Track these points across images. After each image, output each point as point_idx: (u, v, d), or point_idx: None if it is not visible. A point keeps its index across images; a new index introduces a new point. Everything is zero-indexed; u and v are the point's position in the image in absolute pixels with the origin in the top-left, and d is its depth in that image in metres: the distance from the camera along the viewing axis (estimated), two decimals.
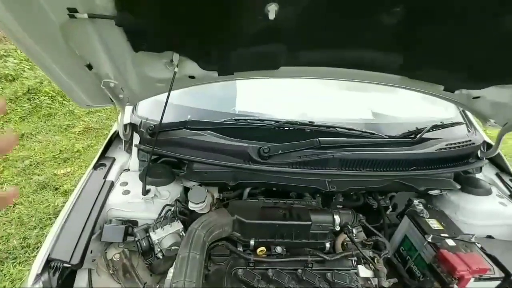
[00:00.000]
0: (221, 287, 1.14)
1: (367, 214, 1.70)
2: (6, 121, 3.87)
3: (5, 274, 2.21)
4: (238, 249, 1.30)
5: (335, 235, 1.46)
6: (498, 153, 1.79)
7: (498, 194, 1.67)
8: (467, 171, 1.74)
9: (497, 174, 1.81)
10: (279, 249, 1.29)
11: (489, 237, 1.57)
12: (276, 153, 1.38)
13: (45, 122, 4.09)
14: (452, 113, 1.96)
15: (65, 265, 1.06)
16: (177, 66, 1.12)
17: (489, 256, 1.31)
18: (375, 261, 1.28)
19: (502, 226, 1.56)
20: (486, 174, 1.82)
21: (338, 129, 1.53)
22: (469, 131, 1.88)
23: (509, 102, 1.37)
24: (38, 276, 1.01)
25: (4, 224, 2.59)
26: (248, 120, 1.51)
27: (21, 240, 2.49)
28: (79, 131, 4.03)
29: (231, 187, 1.40)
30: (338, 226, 1.35)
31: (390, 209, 1.73)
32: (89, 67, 1.06)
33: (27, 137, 3.74)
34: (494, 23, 0.93)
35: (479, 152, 1.79)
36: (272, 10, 0.86)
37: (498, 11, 0.89)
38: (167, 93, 1.29)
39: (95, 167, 1.45)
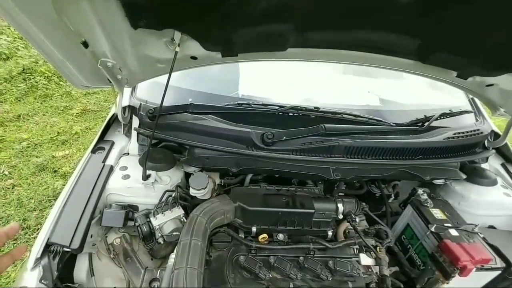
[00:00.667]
0: (222, 273, 1.13)
1: (369, 201, 1.69)
2: (1, 102, 3.78)
3: None
4: (240, 235, 1.29)
5: (337, 223, 1.45)
6: (505, 143, 1.76)
7: (502, 185, 1.65)
8: (473, 160, 1.71)
9: (502, 165, 1.79)
10: (281, 236, 1.28)
11: (491, 227, 1.56)
12: (280, 139, 1.34)
13: (41, 103, 4.01)
14: (461, 100, 1.90)
15: (65, 249, 1.05)
16: (179, 45, 1.06)
17: (491, 246, 1.30)
18: (377, 249, 1.28)
19: (505, 216, 1.55)
20: (492, 164, 1.80)
21: (344, 115, 1.48)
22: (477, 120, 1.84)
23: None
24: (38, 260, 0.99)
25: (3, 205, 2.58)
26: (252, 105, 1.46)
27: (21, 221, 2.49)
28: (77, 113, 3.96)
29: (233, 173, 1.37)
30: (341, 215, 1.34)
31: (393, 197, 1.71)
32: (85, 44, 0.99)
33: (24, 118, 3.67)
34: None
35: (486, 142, 1.76)
36: None
37: None
38: (167, 75, 1.23)
39: (93, 151, 1.41)
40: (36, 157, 3.15)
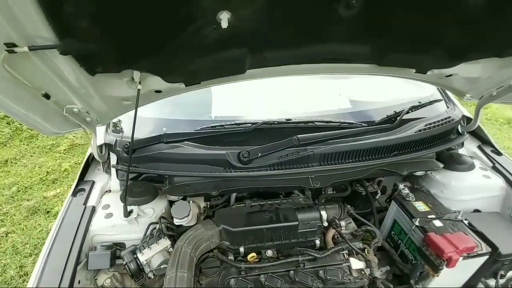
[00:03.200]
0: None
1: (357, 200, 1.71)
2: None
3: None
4: (229, 258, 1.29)
5: (325, 229, 1.47)
6: (478, 126, 1.80)
7: (481, 167, 1.68)
8: (449, 148, 1.75)
9: (479, 147, 1.83)
10: (269, 252, 1.29)
11: (477, 211, 1.59)
12: (256, 156, 1.36)
13: (27, 144, 3.99)
14: (430, 90, 1.95)
15: None
16: (140, 83, 1.09)
17: (476, 232, 1.33)
18: (365, 251, 1.29)
19: (488, 198, 1.59)
20: (468, 147, 1.83)
21: (316, 123, 1.51)
22: (448, 107, 1.88)
23: (481, 76, 1.37)
24: None
25: None
26: (225, 126, 1.48)
27: (18, 269, 2.46)
28: (64, 150, 3.95)
29: (214, 196, 1.38)
30: (326, 222, 1.35)
31: (379, 193, 1.74)
32: (47, 96, 1.01)
33: (11, 162, 3.65)
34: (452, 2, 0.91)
35: (459, 127, 1.80)
36: (224, 18, 0.82)
37: None
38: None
39: (74, 194, 1.42)
40: (27, 200, 3.13)
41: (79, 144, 4.11)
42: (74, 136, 4.27)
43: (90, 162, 1.59)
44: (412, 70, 1.35)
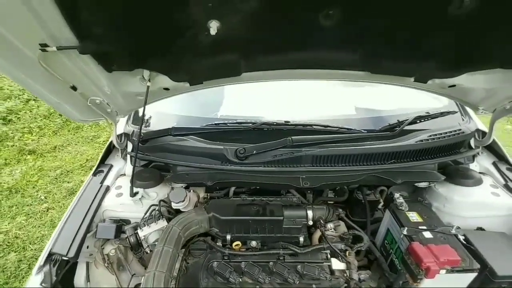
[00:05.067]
0: (197, 278, 1.26)
1: (357, 207, 1.72)
2: (42, 136, 4.36)
3: None
4: (218, 244, 1.41)
5: (315, 229, 1.51)
6: (494, 141, 1.71)
7: (492, 184, 1.60)
8: (457, 161, 1.68)
9: (494, 163, 1.72)
10: (254, 243, 1.38)
11: (480, 229, 1.51)
12: (251, 154, 1.46)
13: (74, 134, 4.53)
14: (444, 101, 1.89)
15: (63, 258, 1.24)
16: (149, 81, 1.26)
17: (468, 248, 1.28)
18: (347, 253, 1.32)
19: (494, 217, 1.50)
20: (482, 163, 1.74)
21: (314, 126, 1.57)
22: (463, 120, 1.81)
23: (487, 87, 1.33)
24: (41, 267, 1.20)
25: (39, 227, 2.95)
26: (228, 124, 1.61)
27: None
28: (103, 141, 4.41)
29: (216, 186, 1.50)
30: (311, 221, 1.40)
31: (382, 202, 1.73)
32: (74, 88, 1.22)
33: (59, 148, 4.18)
34: (441, 12, 0.91)
35: (472, 141, 1.72)
36: (213, 26, 0.95)
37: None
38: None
39: (94, 174, 1.64)
40: (68, 182, 3.56)
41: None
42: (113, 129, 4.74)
43: (111, 148, 1.82)
44: (410, 78, 1.35)
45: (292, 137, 1.47)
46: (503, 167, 1.67)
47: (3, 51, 0.93)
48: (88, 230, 1.35)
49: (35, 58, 0.99)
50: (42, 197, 3.29)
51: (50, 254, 1.24)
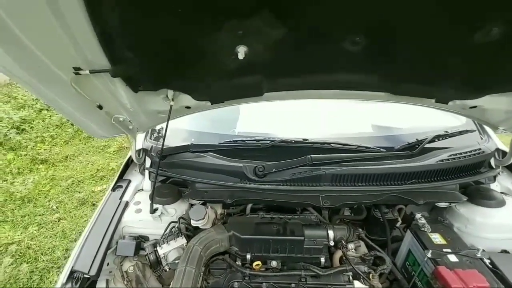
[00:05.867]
0: None
1: (376, 227, 1.69)
2: (54, 145, 4.42)
3: (50, 282, 2.53)
4: (237, 263, 1.39)
5: (335, 249, 1.49)
6: None
7: None
8: (478, 181, 1.66)
9: None
10: (274, 263, 1.36)
11: (504, 251, 1.47)
12: (270, 171, 1.46)
13: (85, 144, 4.59)
14: (462, 120, 1.88)
15: (85, 276, 1.24)
16: (172, 100, 1.28)
17: (496, 272, 1.25)
18: (370, 276, 1.29)
19: None
20: (503, 183, 1.71)
21: (332, 145, 1.57)
22: (481, 138, 1.79)
23: (510, 109, 1.32)
24: (63, 284, 1.20)
25: (50, 237, 2.96)
26: (246, 141, 1.62)
27: (64, 251, 2.83)
28: (114, 151, 4.45)
29: (233, 204, 1.50)
30: (332, 241, 1.39)
31: (400, 221, 1.70)
32: (100, 107, 1.25)
33: (70, 158, 4.23)
34: (464, 37, 0.93)
35: (492, 161, 1.70)
36: (241, 51, 0.96)
37: (463, 27, 0.89)
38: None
39: (113, 189, 1.65)
40: (79, 192, 3.58)
41: (126, 147, 4.60)
42: (122, 140, 4.79)
43: (129, 163, 1.84)
44: (431, 100, 1.35)
45: (312, 155, 1.47)
46: None
47: (38, 73, 0.95)
48: (108, 247, 1.35)
49: (68, 80, 1.02)
50: (54, 207, 3.31)
51: (72, 272, 1.24)
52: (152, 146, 1.72)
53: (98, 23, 0.83)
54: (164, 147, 1.66)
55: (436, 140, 1.61)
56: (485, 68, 1.08)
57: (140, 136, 1.83)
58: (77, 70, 0.98)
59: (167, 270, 1.40)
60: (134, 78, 1.11)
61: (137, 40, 0.93)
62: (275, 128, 1.81)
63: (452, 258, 1.30)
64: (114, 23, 0.86)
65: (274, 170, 1.46)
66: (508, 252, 1.47)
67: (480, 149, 1.62)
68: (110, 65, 0.99)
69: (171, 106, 1.29)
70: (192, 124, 1.86)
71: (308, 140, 1.59)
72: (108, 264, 1.35)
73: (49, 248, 2.84)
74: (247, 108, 1.91)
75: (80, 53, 0.93)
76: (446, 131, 1.66)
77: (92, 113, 1.28)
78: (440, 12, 0.84)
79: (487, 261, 1.31)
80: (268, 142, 1.58)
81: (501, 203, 1.51)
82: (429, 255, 1.32)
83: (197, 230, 1.50)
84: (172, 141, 1.75)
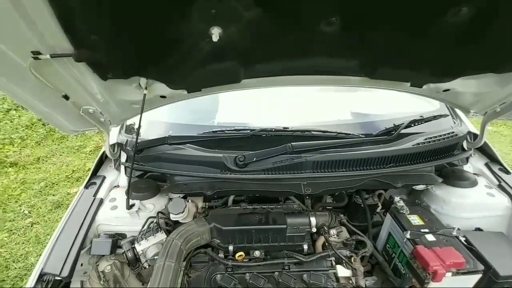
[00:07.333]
0: None
1: (357, 212, 1.71)
2: (24, 147, 4.16)
3: None
4: (220, 255, 1.36)
5: (318, 235, 1.49)
6: (485, 143, 1.75)
7: (486, 185, 1.63)
8: (452, 163, 1.72)
9: (486, 164, 1.77)
10: (257, 253, 1.34)
11: (478, 229, 1.54)
12: (251, 161, 1.44)
13: (58, 144, 4.36)
14: (436, 105, 1.93)
15: (56, 278, 1.16)
16: (146, 88, 1.22)
17: (470, 249, 1.29)
18: (352, 260, 1.30)
19: (491, 217, 1.53)
20: (475, 164, 1.78)
21: (312, 132, 1.56)
22: (454, 123, 1.85)
23: (480, 91, 1.36)
24: None
25: (23, 243, 2.79)
26: (225, 131, 1.58)
27: (38, 257, 2.66)
28: (90, 151, 4.26)
29: (215, 195, 1.46)
30: (314, 228, 1.38)
31: (380, 206, 1.73)
32: (66, 97, 1.16)
33: (43, 160, 4.00)
34: (438, 20, 0.94)
35: (465, 143, 1.76)
36: (216, 33, 0.92)
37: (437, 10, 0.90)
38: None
39: (86, 186, 1.57)
40: (53, 195, 3.40)
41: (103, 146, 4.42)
42: (99, 139, 4.60)
43: (104, 159, 1.75)
44: (406, 83, 1.38)
45: (292, 143, 1.46)
46: (495, 168, 1.72)
47: None
48: (81, 247, 1.28)
49: (26, 66, 0.94)
50: (26, 212, 3.13)
51: (42, 275, 1.16)
52: (127, 140, 1.64)
53: (56, 2, 0.76)
54: (140, 141, 1.60)
55: (412, 125, 1.65)
56: (456, 51, 1.10)
57: (115, 130, 1.74)
58: (36, 54, 0.90)
59: (147, 267, 1.34)
60: (101, 64, 1.04)
61: (100, 22, 0.87)
62: (255, 118, 1.78)
63: (430, 237, 1.33)
64: (75, 3, 0.79)
65: (255, 159, 1.44)
66: (482, 230, 1.53)
67: (453, 132, 1.68)
68: (73, 49, 0.92)
69: (145, 95, 1.23)
70: (171, 116, 1.79)
71: (288, 128, 1.58)
72: (82, 264, 1.28)
73: (21, 254, 2.67)
74: (227, 98, 1.87)
75: (38, 34, 0.85)
76: (421, 116, 1.70)
77: (59, 105, 1.19)
78: None
79: (462, 239, 1.36)
80: (248, 131, 1.56)
81: (474, 183, 1.57)
82: (408, 236, 1.35)
83: (177, 224, 1.45)
84: (149, 134, 1.68)
